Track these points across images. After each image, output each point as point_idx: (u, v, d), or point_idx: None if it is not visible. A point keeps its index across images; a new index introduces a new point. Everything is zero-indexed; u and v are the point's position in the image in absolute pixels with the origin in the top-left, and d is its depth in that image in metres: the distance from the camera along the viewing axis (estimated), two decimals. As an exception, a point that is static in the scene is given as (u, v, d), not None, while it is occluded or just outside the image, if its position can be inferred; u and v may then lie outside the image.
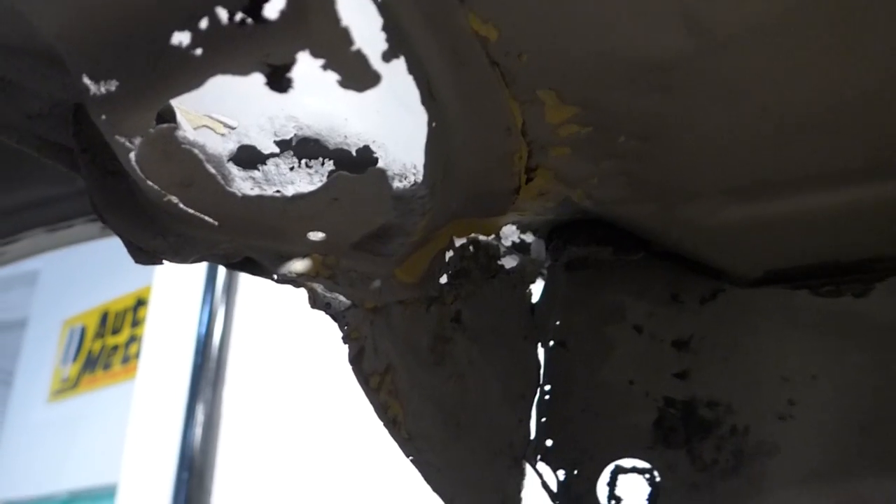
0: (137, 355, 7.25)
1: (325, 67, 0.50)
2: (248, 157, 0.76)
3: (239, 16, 0.47)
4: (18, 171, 1.25)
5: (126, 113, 0.54)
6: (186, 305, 5.10)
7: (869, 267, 0.96)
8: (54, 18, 0.52)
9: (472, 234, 0.94)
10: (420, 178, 0.80)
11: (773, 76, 0.63)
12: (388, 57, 0.53)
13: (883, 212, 0.85)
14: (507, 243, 1.05)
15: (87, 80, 0.54)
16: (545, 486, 0.92)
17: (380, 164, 0.80)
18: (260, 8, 0.47)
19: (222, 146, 0.76)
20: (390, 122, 0.78)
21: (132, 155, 0.58)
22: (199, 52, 0.49)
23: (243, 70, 0.49)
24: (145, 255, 0.68)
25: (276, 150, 0.78)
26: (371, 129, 0.82)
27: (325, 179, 0.78)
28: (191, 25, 0.48)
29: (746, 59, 0.61)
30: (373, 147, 0.81)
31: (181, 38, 0.49)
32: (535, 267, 1.04)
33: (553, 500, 0.91)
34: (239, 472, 4.60)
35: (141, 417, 5.39)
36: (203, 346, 4.95)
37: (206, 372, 4.93)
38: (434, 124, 0.61)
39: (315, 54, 0.48)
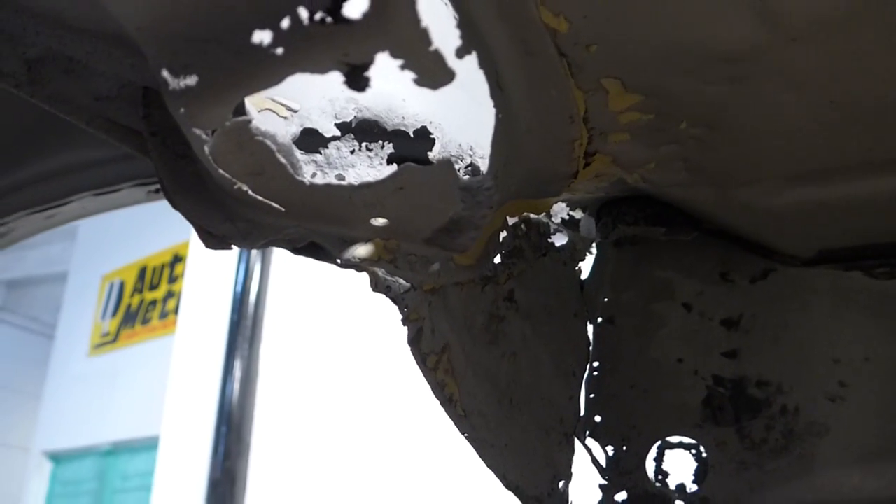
0: (175, 310, 7.40)
1: (403, 67, 0.50)
2: (311, 141, 0.77)
3: (320, 15, 0.48)
4: (65, 134, 1.27)
5: (204, 107, 0.55)
6: (223, 263, 5.19)
7: None
8: (137, 12, 0.53)
9: (525, 213, 0.95)
10: (477, 159, 0.81)
11: (840, 68, 0.63)
12: (461, 53, 0.54)
13: None
14: (557, 220, 1.05)
15: (166, 74, 0.55)
16: (594, 461, 0.94)
17: (437, 145, 0.81)
18: (341, 8, 0.47)
19: (285, 129, 0.78)
20: (447, 104, 0.78)
21: (206, 147, 0.59)
22: (279, 50, 0.50)
23: (322, 69, 0.50)
24: (215, 239, 0.69)
25: (338, 132, 0.79)
26: (428, 109, 0.83)
27: (384, 162, 0.79)
28: (272, 24, 0.49)
29: (815, 52, 0.61)
30: (430, 127, 0.82)
31: (262, 36, 0.50)
32: (585, 244, 1.05)
33: (602, 476, 0.93)
34: (276, 427, 4.71)
35: (180, 372, 5.52)
36: (240, 304, 5.04)
37: (243, 329, 5.02)
38: (500, 115, 0.62)
39: (395, 55, 0.49)
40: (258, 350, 4.96)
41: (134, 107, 0.76)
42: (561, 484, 0.91)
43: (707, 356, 0.98)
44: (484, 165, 0.77)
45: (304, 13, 0.48)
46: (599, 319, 1.04)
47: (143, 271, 8.58)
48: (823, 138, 0.74)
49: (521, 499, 0.86)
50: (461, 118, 0.80)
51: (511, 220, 0.92)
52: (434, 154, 0.80)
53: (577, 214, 1.09)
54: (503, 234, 0.89)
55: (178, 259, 8.13)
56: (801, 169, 0.80)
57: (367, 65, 0.50)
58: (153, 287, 8.41)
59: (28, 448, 8.69)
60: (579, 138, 0.72)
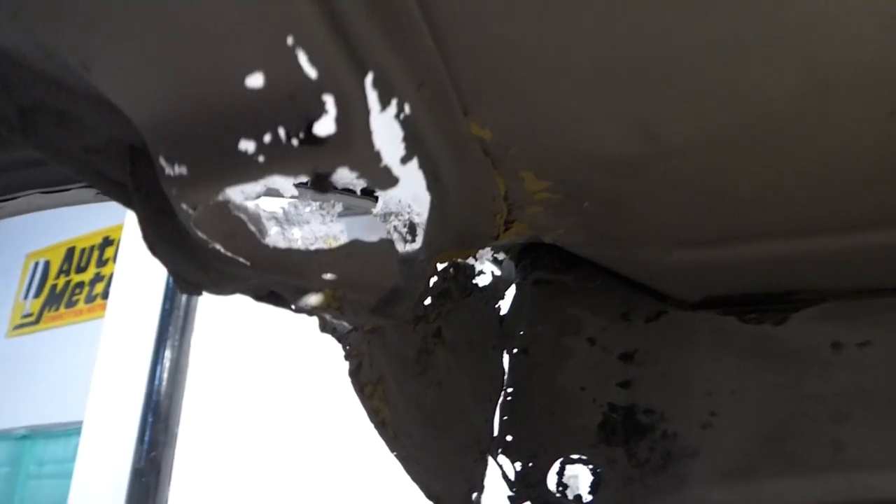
0: (103, 294, 7.30)
1: (358, 177, 0.64)
2: (272, 199, 0.89)
3: (296, 137, 0.61)
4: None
5: (192, 191, 0.67)
6: (156, 252, 5.15)
7: (787, 299, 1.13)
8: (144, 111, 0.65)
9: (454, 259, 1.09)
10: (413, 216, 0.95)
11: (709, 171, 0.79)
12: (405, 160, 0.68)
13: (799, 259, 1.02)
14: (482, 263, 1.20)
15: (163, 162, 0.67)
16: (504, 475, 1.09)
17: (380, 202, 0.94)
18: (313, 131, 0.61)
19: (252, 189, 0.90)
20: (418, 192, 0.92)
21: (191, 219, 0.71)
22: (260, 158, 0.63)
23: (294, 174, 0.63)
24: (190, 285, 0.82)
25: (295, 192, 0.92)
26: (407, 191, 0.96)
27: (334, 219, 0.92)
28: (257, 137, 0.62)
29: (691, 161, 0.77)
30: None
31: (247, 145, 0.63)
32: (506, 284, 1.20)
33: (510, 488, 1.09)
34: (204, 418, 4.75)
35: (108, 358, 5.47)
36: (172, 292, 5.03)
37: (175, 318, 5.01)
38: (435, 201, 0.76)
39: (352, 169, 0.62)
40: (189, 340, 4.96)
41: (120, 161, 0.86)
42: (475, 495, 1.06)
43: (605, 385, 1.14)
44: (417, 220, 0.91)
45: (282, 133, 0.61)
46: (515, 350, 1.19)
47: (70, 252, 8.40)
48: (701, 217, 0.90)
49: (440, 508, 1.01)
50: (415, 183, 0.94)
51: (441, 266, 1.07)
52: (377, 209, 0.93)
53: (500, 256, 1.24)
54: (434, 280, 1.03)
55: (108, 242, 8.00)
56: (686, 237, 0.96)
57: (330, 174, 0.63)
58: (81, 269, 8.24)
59: (-59, 431, 8.43)
60: (501, 212, 0.87)
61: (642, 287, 1.17)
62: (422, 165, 0.71)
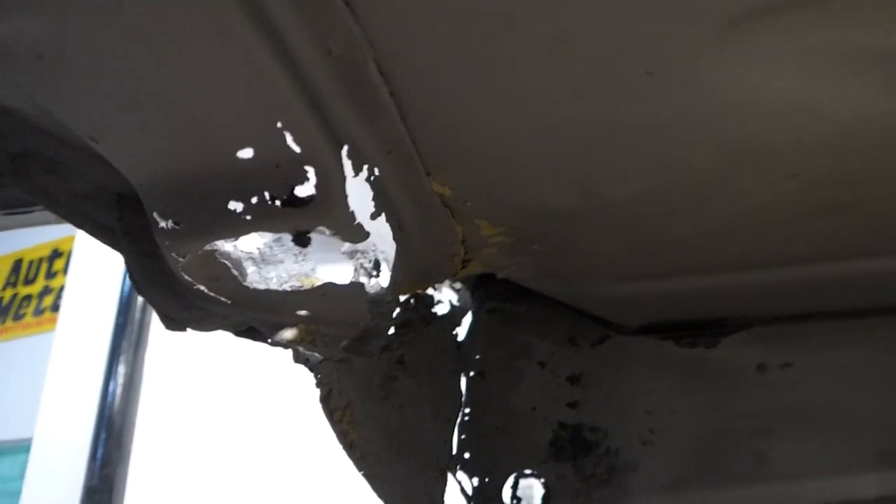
0: (52, 307, 7.18)
1: (333, 234, 0.73)
2: (250, 242, 0.97)
3: (279, 200, 0.69)
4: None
5: (183, 243, 0.75)
6: (110, 263, 5.13)
7: (719, 324, 1.25)
8: (142, 175, 0.72)
9: (414, 291, 1.18)
10: (378, 254, 1.03)
11: (643, 221, 0.90)
12: (375, 216, 0.77)
13: (727, 290, 1.13)
14: (440, 292, 1.29)
15: (156, 216, 0.75)
16: (462, 490, 1.18)
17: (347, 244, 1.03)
18: (294, 195, 0.69)
19: (247, 246, 0.98)
20: (385, 242, 1.01)
21: (179, 265, 0.79)
22: (247, 217, 0.71)
23: (277, 231, 0.72)
24: (175, 322, 0.89)
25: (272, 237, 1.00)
26: (375, 240, 1.05)
27: (306, 259, 1.00)
28: (244, 200, 0.70)
29: (625, 212, 0.87)
30: None
31: (236, 206, 0.71)
32: (462, 312, 1.29)
33: (468, 502, 1.18)
34: (159, 435, 4.72)
35: (59, 372, 5.39)
36: (126, 306, 4.99)
37: (129, 333, 4.98)
38: (400, 248, 0.85)
39: (329, 228, 0.71)
40: (143, 355, 4.93)
41: (108, 207, 0.93)
42: (435, 510, 1.15)
43: (555, 405, 1.24)
44: (382, 259, 1.00)
45: (268, 196, 0.70)
46: (472, 374, 1.28)
47: (17, 264, 8.24)
48: (637, 256, 1.01)
49: (404, 523, 1.09)
50: (383, 234, 1.03)
51: (402, 298, 1.16)
52: (344, 249, 1.02)
53: (457, 286, 1.33)
54: (396, 311, 1.12)
55: (57, 254, 7.87)
56: (624, 273, 1.07)
57: (309, 231, 0.72)
58: (29, 281, 8.09)
59: None
60: (458, 253, 0.96)
61: (587, 314, 1.28)
62: (388, 219, 0.80)
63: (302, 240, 0.73)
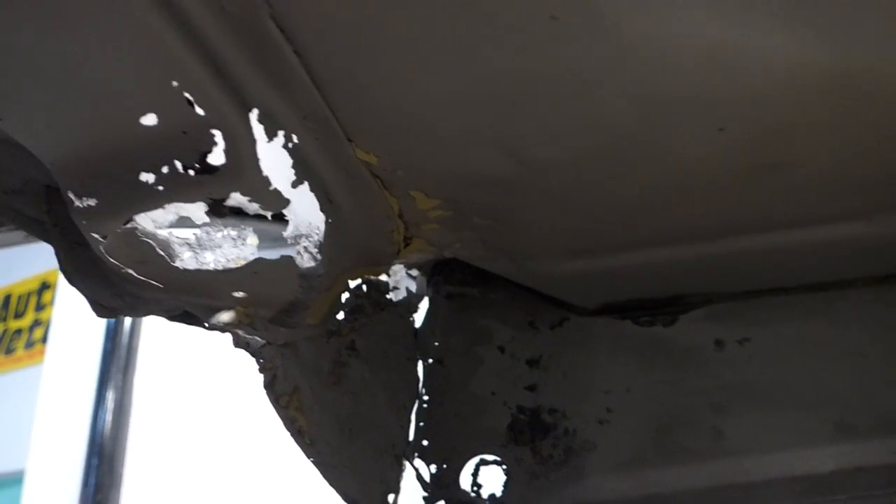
0: (43, 339, 7.16)
1: (250, 201, 0.72)
2: (185, 226, 0.96)
3: (191, 168, 0.68)
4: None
5: (100, 221, 0.74)
6: (96, 292, 5.12)
7: (677, 302, 1.24)
8: (51, 152, 0.71)
9: (366, 276, 1.17)
10: (321, 237, 1.02)
11: (578, 187, 0.89)
12: (296, 184, 0.76)
13: (682, 264, 1.12)
14: (396, 278, 1.28)
15: (71, 196, 0.74)
16: (419, 477, 1.16)
17: (290, 226, 1.01)
18: (206, 163, 0.68)
19: (163, 218, 0.97)
20: (312, 213, 1.00)
21: (101, 246, 0.78)
22: (160, 188, 0.70)
23: (191, 201, 0.71)
24: (106, 310, 0.88)
25: (207, 219, 0.99)
26: (301, 211, 1.04)
27: (245, 242, 0.99)
28: (155, 170, 0.69)
29: (556, 177, 0.86)
30: (285, 212, 1.02)
31: (147, 177, 0.70)
32: (419, 298, 1.28)
33: (425, 489, 1.16)
34: (150, 458, 4.70)
35: (49, 403, 5.37)
36: (113, 333, 4.99)
37: (117, 358, 4.97)
38: (330, 220, 0.83)
39: (244, 194, 0.70)
40: (132, 380, 4.92)
41: (37, 200, 0.92)
42: (391, 497, 1.13)
43: (514, 389, 1.22)
44: (311, 231, 0.98)
45: (179, 165, 0.69)
46: (430, 360, 1.27)
47: (7, 299, 8.21)
48: (580, 229, 1.00)
49: (357, 510, 1.07)
50: (309, 204, 1.02)
51: (353, 283, 1.14)
52: (287, 233, 1.01)
53: (414, 273, 1.32)
54: (346, 296, 1.11)
55: (46, 286, 7.85)
56: (571, 248, 1.06)
57: (224, 199, 0.71)
58: (18, 315, 8.06)
59: None
60: (396, 229, 0.95)
61: (546, 297, 1.26)
62: (313, 189, 0.79)
63: (218, 209, 0.72)
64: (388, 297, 1.24)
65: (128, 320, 5.01)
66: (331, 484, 1.05)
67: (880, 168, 0.88)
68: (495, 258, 1.08)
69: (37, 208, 0.91)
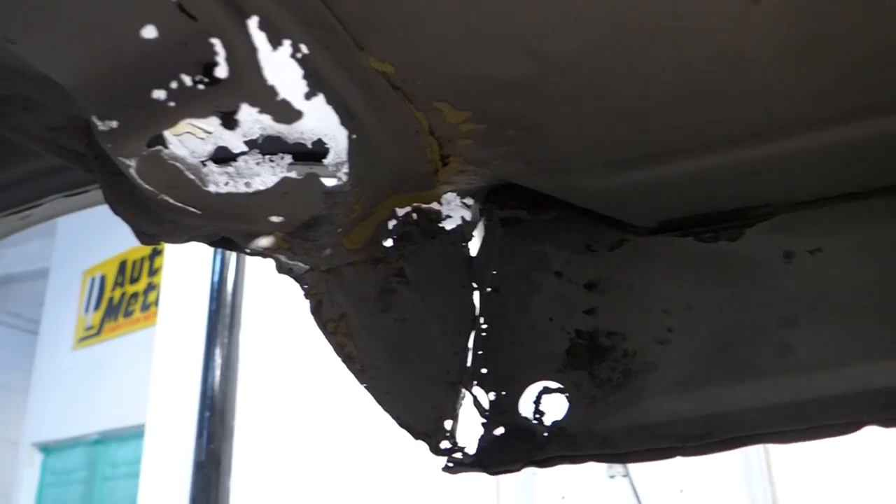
0: (157, 302, 7.56)
1: (260, 112, 0.71)
2: (224, 156, 0.97)
3: (197, 79, 0.68)
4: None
5: (124, 142, 0.75)
6: (200, 254, 5.36)
7: (743, 215, 1.16)
8: (71, 78, 0.73)
9: (415, 204, 1.15)
10: (344, 152, 1.01)
11: (602, 84, 0.83)
12: (309, 96, 0.74)
13: (743, 172, 1.05)
14: (450, 207, 1.26)
15: (95, 120, 0.75)
16: (477, 404, 1.15)
17: (331, 153, 1.01)
18: (212, 74, 0.68)
19: (202, 149, 0.98)
20: (333, 127, 0.98)
21: (132, 170, 0.79)
22: (171, 104, 0.70)
23: (203, 115, 0.71)
24: (147, 237, 0.90)
25: (245, 148, 0.99)
26: (323, 125, 1.03)
27: (285, 170, 0.99)
28: (165, 86, 0.69)
29: (579, 75, 0.81)
30: (325, 139, 1.02)
31: (159, 94, 0.70)
32: (472, 226, 1.25)
33: (483, 416, 1.15)
34: (258, 409, 4.91)
35: (163, 361, 5.69)
36: (217, 293, 5.21)
37: (222, 317, 5.19)
38: (354, 136, 0.82)
39: (251, 104, 0.70)
40: (237, 336, 5.13)
41: (80, 135, 0.96)
42: (448, 423, 1.12)
43: (572, 314, 1.19)
44: (331, 145, 0.97)
45: (186, 79, 0.69)
46: (487, 289, 1.24)
47: (123, 265, 8.71)
48: (618, 134, 0.95)
49: (412, 434, 1.07)
50: (327, 118, 1.00)
51: (402, 211, 1.13)
52: (329, 160, 1.00)
53: (468, 201, 1.29)
54: (392, 223, 1.10)
55: (157, 252, 8.26)
56: (613, 157, 1.01)
57: (234, 111, 0.70)
58: (134, 280, 8.54)
59: (18, 441, 8.83)
60: (429, 145, 0.92)
61: (603, 218, 1.22)
62: (330, 101, 0.77)
63: (229, 121, 0.71)
64: (439, 225, 1.22)
65: (230, 279, 5.22)
66: (384, 409, 1.06)
67: None
68: (537, 174, 1.04)
69: (79, 143, 0.94)
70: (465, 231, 1.26)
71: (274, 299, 5.02)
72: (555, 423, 1.13)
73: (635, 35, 0.74)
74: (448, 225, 1.25)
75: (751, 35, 0.75)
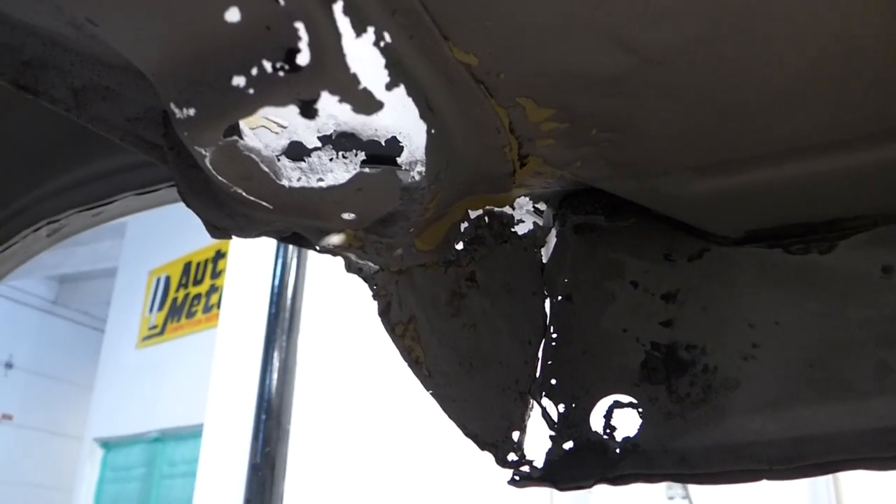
0: (218, 304, 7.70)
1: (340, 101, 0.68)
2: (297, 151, 0.95)
3: (279, 65, 0.66)
4: (109, 141, 1.47)
5: (201, 131, 0.73)
6: (262, 258, 5.43)
7: (836, 227, 1.10)
8: (151, 63, 0.71)
9: (488, 207, 1.12)
10: (423, 147, 0.98)
11: (698, 81, 0.79)
12: (390, 87, 0.71)
13: (839, 180, 0.99)
14: (522, 211, 1.22)
15: (173, 107, 0.73)
16: (546, 415, 1.11)
17: (405, 151, 0.98)
18: (294, 61, 0.65)
19: (276, 143, 0.96)
20: (411, 120, 0.96)
21: (207, 160, 0.78)
22: (251, 91, 0.68)
23: (282, 103, 0.68)
24: (219, 230, 0.88)
25: (319, 144, 0.97)
26: (398, 123, 1.00)
27: (358, 167, 0.97)
28: (246, 72, 0.67)
29: (673, 70, 0.77)
30: (399, 137, 0.99)
31: (239, 81, 0.68)
32: (545, 232, 1.21)
33: (552, 428, 1.10)
34: (313, 413, 4.93)
35: (223, 363, 5.78)
36: (278, 297, 5.27)
37: (282, 321, 5.25)
38: (433, 131, 0.79)
39: (332, 93, 0.67)
40: (296, 341, 5.18)
41: (156, 126, 0.95)
42: (515, 434, 1.08)
43: (648, 325, 1.14)
44: (408, 140, 0.94)
45: (267, 65, 0.66)
46: (559, 297, 1.20)
47: (187, 266, 8.90)
48: (710, 136, 0.89)
49: (478, 445, 1.03)
50: (407, 110, 0.97)
51: (474, 213, 1.10)
52: (402, 159, 0.97)
53: (542, 206, 1.25)
54: (464, 225, 1.06)
55: (220, 255, 8.43)
56: (701, 162, 0.95)
57: (314, 100, 0.68)
58: (197, 282, 8.72)
59: (81, 436, 9.08)
60: (508, 144, 0.89)
61: (685, 227, 1.16)
62: (410, 93, 0.74)
63: (308, 110, 0.69)
64: (512, 229, 1.18)
65: (291, 284, 5.27)
66: (451, 418, 1.02)
67: None
68: (621, 178, 1.00)
69: (156, 134, 0.93)
70: (537, 236, 1.22)
71: (332, 305, 5.05)
72: (626, 438, 1.07)
73: (730, 25, 0.69)
74: (520, 230, 1.22)
75: (855, 27, 0.69)
